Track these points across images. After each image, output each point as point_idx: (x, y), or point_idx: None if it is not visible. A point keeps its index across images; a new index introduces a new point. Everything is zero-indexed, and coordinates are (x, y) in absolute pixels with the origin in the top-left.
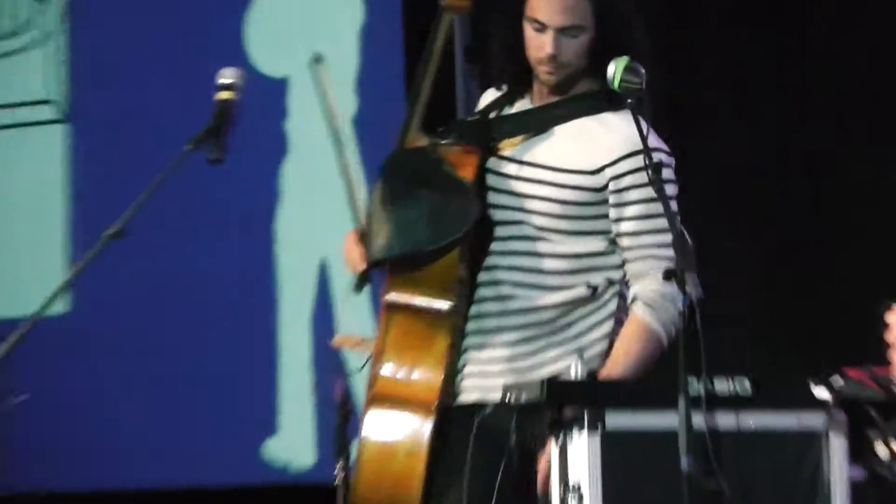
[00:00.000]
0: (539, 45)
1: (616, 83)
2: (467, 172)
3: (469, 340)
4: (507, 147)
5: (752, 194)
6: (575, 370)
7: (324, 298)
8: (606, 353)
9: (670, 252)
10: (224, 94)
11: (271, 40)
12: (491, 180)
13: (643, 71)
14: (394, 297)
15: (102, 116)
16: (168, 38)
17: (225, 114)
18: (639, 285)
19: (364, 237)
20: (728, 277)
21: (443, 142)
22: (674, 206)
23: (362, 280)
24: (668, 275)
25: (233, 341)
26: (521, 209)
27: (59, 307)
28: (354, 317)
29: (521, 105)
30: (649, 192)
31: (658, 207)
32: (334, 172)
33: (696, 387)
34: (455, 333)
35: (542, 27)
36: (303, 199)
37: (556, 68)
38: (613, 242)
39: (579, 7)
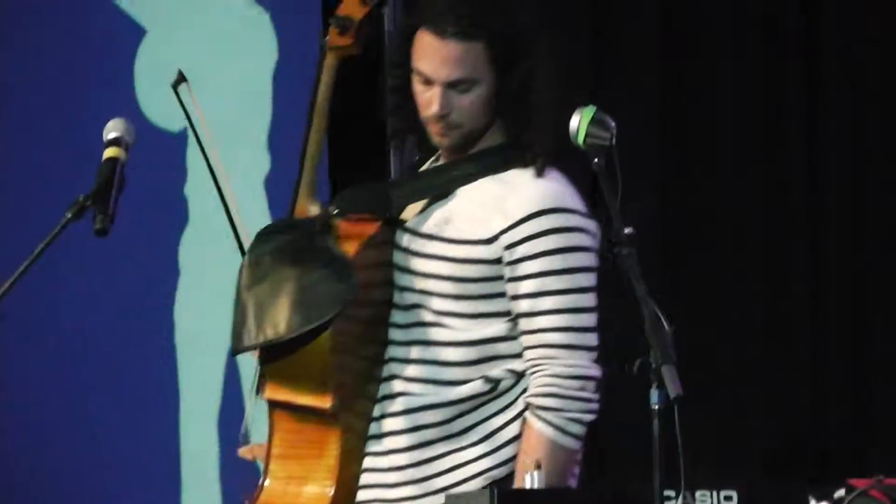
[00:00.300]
0: (426, 102)
1: (580, 138)
2: (350, 247)
3: (369, 445)
4: (411, 215)
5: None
6: (531, 480)
7: (232, 397)
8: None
9: (573, 338)
10: (110, 152)
11: (166, 88)
12: (395, 256)
13: (612, 124)
14: (270, 394)
15: None
16: (45, 85)
17: (112, 175)
18: (531, 383)
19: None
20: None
21: (335, 210)
22: (586, 280)
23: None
24: (641, 369)
25: (131, 445)
26: (419, 291)
27: None
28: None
29: (429, 165)
30: (551, 262)
31: (561, 282)
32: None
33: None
34: (350, 437)
35: (427, 80)
36: (206, 277)
37: (447, 128)
38: (516, 325)
39: (469, 56)
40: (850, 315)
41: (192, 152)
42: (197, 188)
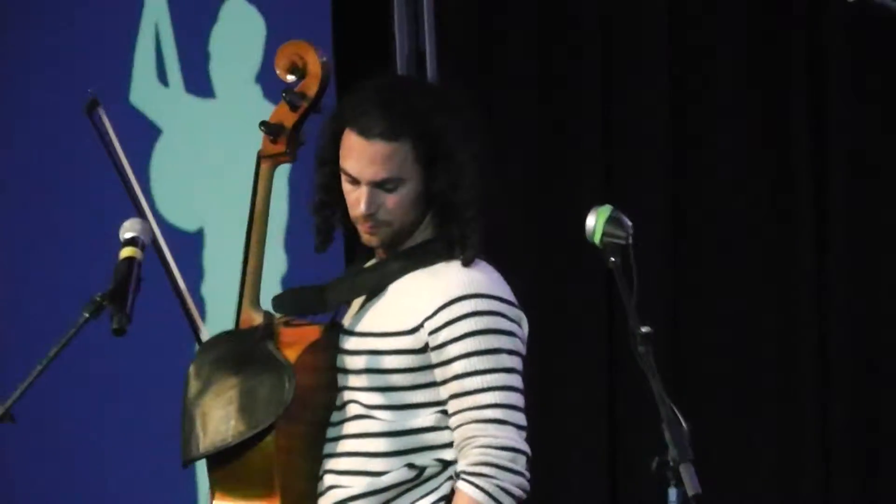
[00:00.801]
0: (354, 202)
1: (597, 238)
2: (293, 352)
3: None
4: (348, 318)
5: None
6: None
7: None
8: None
9: (502, 414)
10: (127, 252)
11: (181, 186)
12: (337, 359)
13: (629, 223)
14: (219, 500)
15: None
16: (60, 185)
17: (129, 274)
18: (461, 455)
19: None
20: None
21: (279, 317)
22: (510, 361)
23: None
24: (661, 466)
25: None
26: (351, 388)
27: None
28: None
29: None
30: (475, 343)
31: (487, 362)
32: None
33: None
34: None
35: (354, 180)
36: None
37: (375, 227)
38: (444, 414)
39: (396, 156)
40: (859, 314)
41: (209, 251)
42: (214, 287)
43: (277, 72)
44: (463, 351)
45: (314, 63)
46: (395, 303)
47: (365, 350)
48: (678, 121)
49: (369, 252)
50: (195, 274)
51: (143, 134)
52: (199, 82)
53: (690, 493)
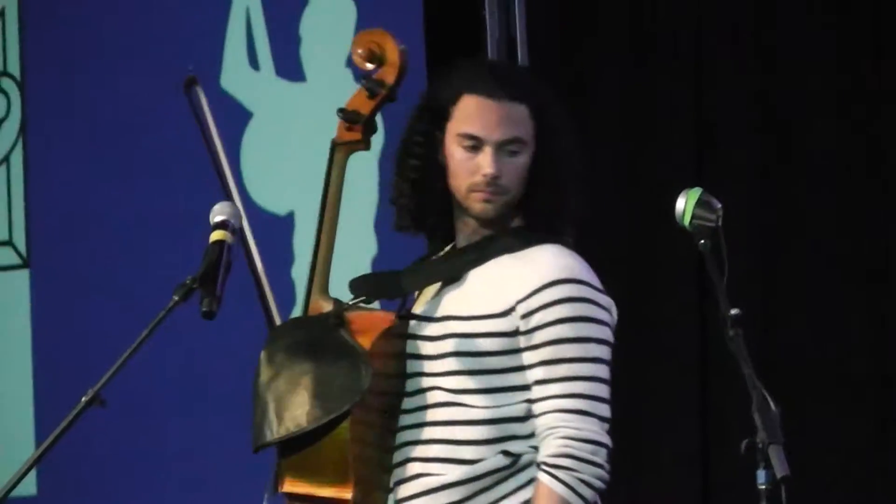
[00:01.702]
0: (472, 168)
1: (686, 220)
2: (366, 339)
3: None
4: (421, 304)
5: None
6: None
7: None
8: None
9: (585, 405)
10: (217, 235)
11: (272, 170)
12: (409, 346)
13: (718, 205)
14: (289, 487)
15: (68, 265)
16: (154, 169)
17: (218, 258)
18: (543, 446)
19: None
20: None
21: (349, 303)
22: (599, 351)
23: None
24: (749, 450)
25: None
26: (433, 374)
27: (26, 489)
28: None
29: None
30: (566, 330)
31: (575, 350)
32: None
33: None
34: None
35: (477, 143)
36: None
37: (495, 193)
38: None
39: (520, 117)
40: None
41: (299, 235)
42: (304, 270)
43: (355, 59)
44: (553, 337)
45: (392, 51)
46: (481, 287)
47: (452, 334)
48: (769, 108)
49: (438, 244)
50: (286, 257)
51: (234, 118)
52: (289, 66)
53: (779, 475)
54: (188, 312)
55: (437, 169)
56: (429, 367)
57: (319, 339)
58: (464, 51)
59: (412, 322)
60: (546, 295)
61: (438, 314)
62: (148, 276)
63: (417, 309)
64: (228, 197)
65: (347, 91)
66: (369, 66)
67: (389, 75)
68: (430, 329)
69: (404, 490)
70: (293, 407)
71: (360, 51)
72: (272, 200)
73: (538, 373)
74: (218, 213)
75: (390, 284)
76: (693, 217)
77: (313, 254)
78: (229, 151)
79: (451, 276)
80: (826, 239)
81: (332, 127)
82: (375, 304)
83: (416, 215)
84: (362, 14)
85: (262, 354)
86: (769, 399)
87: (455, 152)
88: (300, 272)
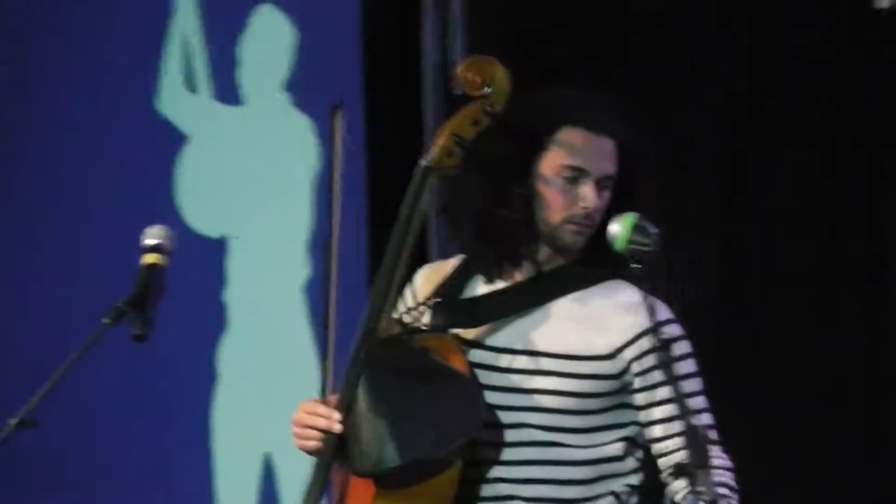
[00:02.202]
0: (573, 199)
1: (621, 245)
2: (459, 363)
3: None
4: (485, 334)
5: None
6: None
7: (269, 502)
8: None
9: (716, 435)
10: (150, 258)
11: (207, 193)
12: (480, 375)
13: (654, 230)
14: None
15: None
16: (85, 190)
17: (151, 281)
18: (684, 480)
19: (342, 415)
20: None
21: (423, 327)
22: (695, 385)
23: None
24: (679, 472)
25: None
26: (525, 408)
27: None
28: None
29: (481, 283)
30: (684, 367)
31: (694, 385)
32: (279, 352)
33: None
34: None
35: (579, 175)
36: (244, 383)
37: (589, 227)
38: (628, 440)
39: (615, 154)
40: None
41: (232, 259)
42: (236, 294)
43: (465, 84)
44: (671, 376)
45: (502, 80)
46: (571, 324)
47: (547, 371)
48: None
49: (481, 268)
50: (218, 281)
51: (169, 141)
52: (226, 89)
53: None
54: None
55: (519, 196)
56: (513, 400)
57: (419, 365)
58: (402, 74)
59: (473, 349)
60: (654, 337)
61: (519, 346)
62: (78, 297)
63: (485, 337)
64: (325, 231)
65: (284, 114)
66: (478, 92)
67: (499, 104)
68: (509, 361)
69: None
70: (414, 433)
71: (471, 76)
72: (206, 224)
73: (662, 411)
74: (151, 237)
75: (462, 311)
76: (629, 242)
77: (387, 272)
78: (164, 174)
79: (522, 308)
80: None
81: (268, 150)
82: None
83: (499, 237)
84: (301, 38)
85: (366, 376)
86: (697, 428)
87: (554, 182)
88: (233, 296)
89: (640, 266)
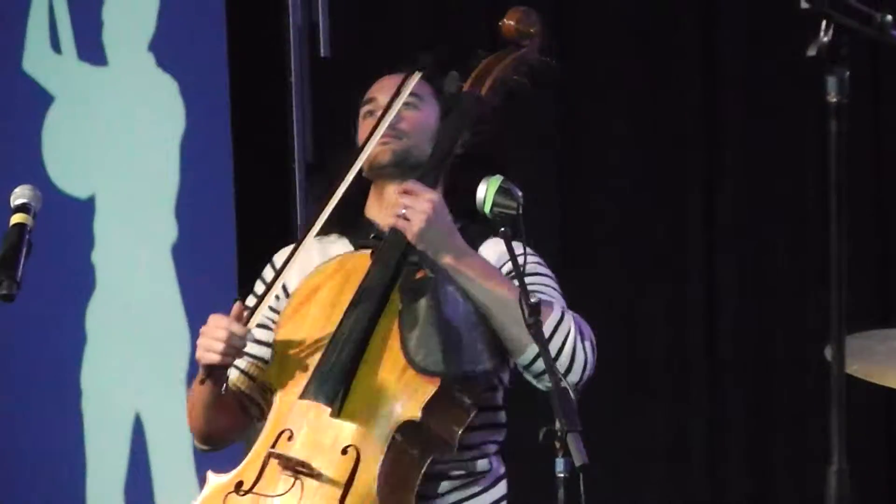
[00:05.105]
0: (370, 124)
1: (487, 208)
2: None
3: None
4: None
5: None
6: None
7: (139, 464)
8: None
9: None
10: (17, 218)
11: (73, 154)
12: None
13: (519, 193)
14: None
15: None
16: None
17: (18, 241)
18: None
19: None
20: None
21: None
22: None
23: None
24: (548, 436)
25: None
26: None
27: None
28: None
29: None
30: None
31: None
32: (147, 312)
33: None
34: None
35: (369, 104)
36: (113, 342)
37: (391, 135)
38: None
39: (420, 84)
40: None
41: (100, 219)
42: (104, 254)
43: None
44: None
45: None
46: None
47: None
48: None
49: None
50: (87, 241)
51: (35, 101)
52: (91, 50)
53: (578, 463)
54: None
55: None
56: None
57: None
58: (266, 37)
59: None
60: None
61: None
62: None
63: None
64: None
65: (149, 75)
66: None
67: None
68: None
69: None
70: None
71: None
72: (73, 184)
73: None
74: (18, 197)
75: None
76: (494, 205)
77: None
78: (30, 134)
79: None
80: None
81: (133, 110)
82: None
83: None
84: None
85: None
86: (568, 387)
87: (360, 126)
88: (101, 256)
89: (506, 229)
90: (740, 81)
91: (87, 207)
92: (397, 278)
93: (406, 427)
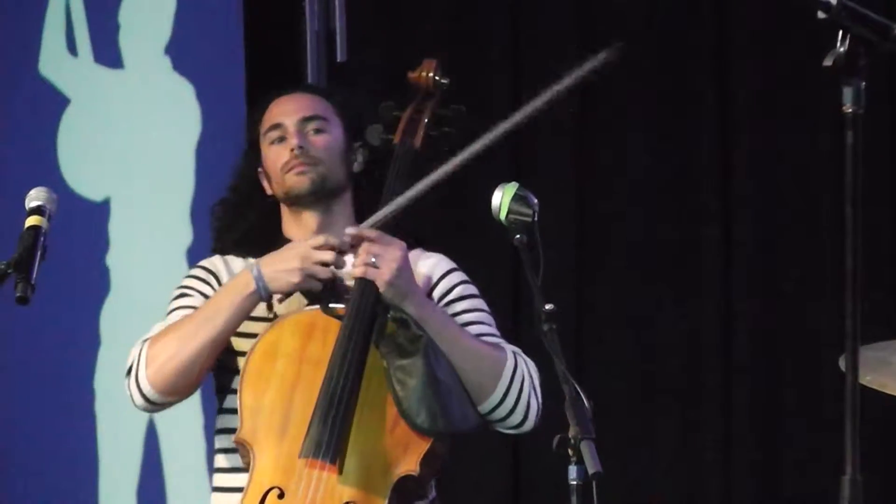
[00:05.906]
0: (280, 151)
1: (503, 215)
2: None
3: None
4: None
5: None
6: None
7: (152, 467)
8: None
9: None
10: (32, 220)
11: (88, 156)
12: None
13: (535, 200)
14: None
15: None
16: None
17: (34, 243)
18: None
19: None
20: None
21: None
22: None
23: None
24: (561, 446)
25: None
26: None
27: None
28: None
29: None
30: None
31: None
32: (161, 316)
33: None
34: None
35: (278, 129)
36: (127, 346)
37: (306, 164)
38: None
39: (315, 100)
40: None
41: (115, 222)
42: (119, 257)
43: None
44: (474, 306)
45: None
46: None
47: None
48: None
49: None
50: (102, 244)
51: (51, 103)
52: (108, 53)
53: (591, 470)
54: None
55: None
56: None
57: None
58: (283, 43)
59: None
60: (456, 276)
61: None
62: None
63: None
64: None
65: (165, 78)
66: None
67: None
68: None
69: None
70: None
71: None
72: (88, 187)
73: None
74: (34, 199)
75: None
76: (509, 212)
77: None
78: (46, 137)
79: None
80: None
81: (149, 113)
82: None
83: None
84: (181, 2)
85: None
86: (582, 394)
87: (267, 152)
88: (116, 259)
89: (521, 237)
90: (757, 85)
91: (102, 210)
92: (373, 329)
93: (403, 481)
